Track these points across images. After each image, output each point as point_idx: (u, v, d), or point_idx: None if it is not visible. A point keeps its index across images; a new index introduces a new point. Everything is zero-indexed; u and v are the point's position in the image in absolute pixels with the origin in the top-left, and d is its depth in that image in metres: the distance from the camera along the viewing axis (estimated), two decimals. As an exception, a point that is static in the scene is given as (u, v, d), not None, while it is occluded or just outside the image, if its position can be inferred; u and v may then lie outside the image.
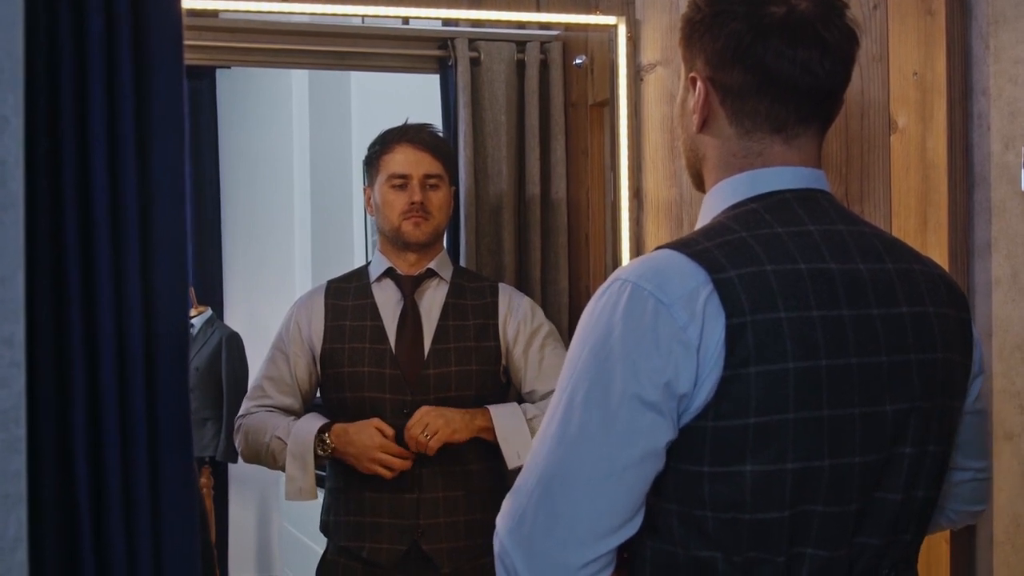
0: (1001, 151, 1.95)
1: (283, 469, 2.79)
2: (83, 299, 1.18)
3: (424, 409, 2.70)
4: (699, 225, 1.56)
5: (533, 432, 2.74)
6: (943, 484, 1.57)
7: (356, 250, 5.71)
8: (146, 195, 1.21)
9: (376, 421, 2.71)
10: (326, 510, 2.89)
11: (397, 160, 2.83)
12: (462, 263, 3.15)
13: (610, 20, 2.83)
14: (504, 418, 2.77)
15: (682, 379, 1.36)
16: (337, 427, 2.74)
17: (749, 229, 1.44)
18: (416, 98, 4.62)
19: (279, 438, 2.78)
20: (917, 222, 2.06)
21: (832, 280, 1.42)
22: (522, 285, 3.19)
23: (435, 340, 2.81)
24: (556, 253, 3.28)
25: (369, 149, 2.93)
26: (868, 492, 1.44)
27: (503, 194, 3.24)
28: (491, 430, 2.76)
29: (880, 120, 2.15)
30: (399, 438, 2.71)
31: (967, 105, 2.01)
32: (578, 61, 3.10)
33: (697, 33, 1.52)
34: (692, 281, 1.38)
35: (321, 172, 6.24)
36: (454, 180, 2.99)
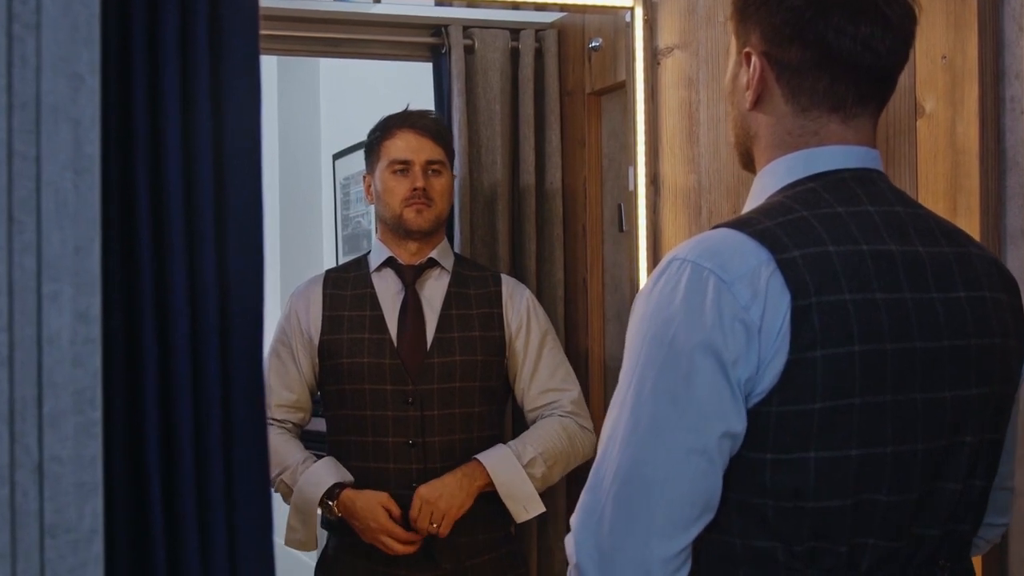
0: (1035, 135, 1.93)
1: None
2: (155, 274, 1.11)
3: (421, 494, 2.64)
4: (749, 205, 1.52)
5: (532, 478, 2.72)
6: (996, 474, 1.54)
7: (325, 247, 5.64)
8: (220, 162, 1.13)
9: (383, 498, 2.65)
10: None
11: (398, 146, 2.78)
12: (456, 254, 3.09)
13: (627, 3, 2.77)
14: (503, 474, 2.72)
15: (745, 360, 1.32)
16: (346, 496, 2.67)
17: (810, 208, 1.40)
18: (388, 87, 4.56)
19: (285, 483, 2.72)
20: (946, 208, 2.03)
21: (893, 262, 1.39)
22: (517, 276, 3.13)
23: (439, 329, 2.75)
24: (551, 244, 3.24)
25: (369, 135, 2.87)
26: (928, 481, 1.41)
27: (497, 184, 3.19)
28: (491, 486, 2.72)
29: (906, 104, 2.11)
30: (405, 515, 2.66)
31: (999, 89, 1.98)
32: (594, 44, 3.06)
33: (752, 7, 1.48)
34: (754, 259, 1.34)
35: (289, 166, 6.15)
36: (454, 168, 2.94)
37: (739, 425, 1.34)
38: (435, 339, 2.74)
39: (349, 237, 5.29)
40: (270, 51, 3.32)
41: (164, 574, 1.10)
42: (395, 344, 2.72)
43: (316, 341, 2.79)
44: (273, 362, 2.83)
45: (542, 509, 2.75)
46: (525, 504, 2.72)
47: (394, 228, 2.80)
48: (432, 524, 2.63)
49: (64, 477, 0.97)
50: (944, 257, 1.44)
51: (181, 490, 1.13)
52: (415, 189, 2.74)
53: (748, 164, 1.58)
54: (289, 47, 3.22)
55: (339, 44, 3.19)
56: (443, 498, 2.63)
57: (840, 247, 1.36)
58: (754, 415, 1.34)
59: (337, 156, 5.40)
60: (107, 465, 1.02)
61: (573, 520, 1.39)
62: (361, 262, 2.90)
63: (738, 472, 1.37)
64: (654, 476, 1.33)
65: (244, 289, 1.14)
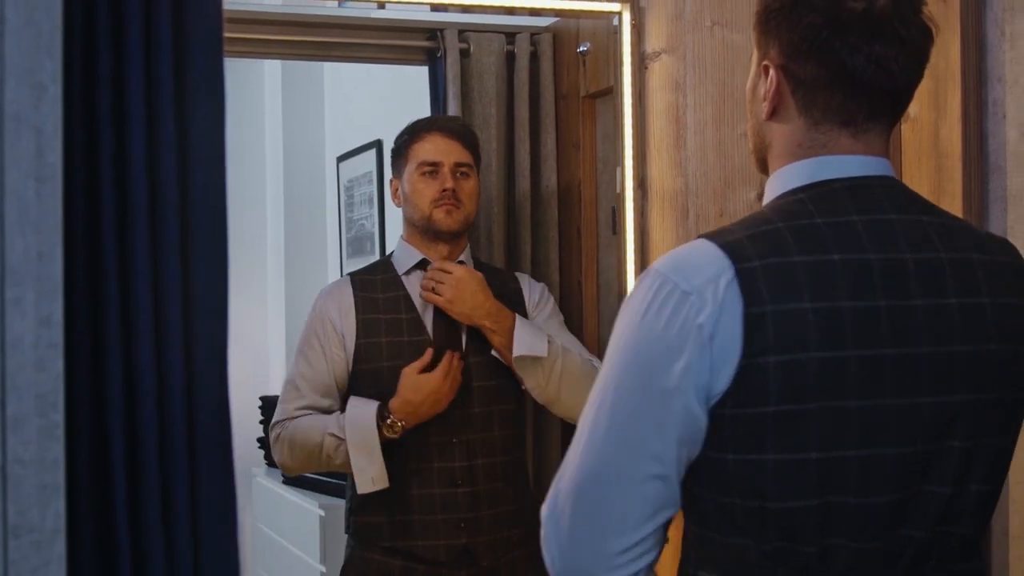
0: (1017, 139, 1.93)
1: (341, 468, 2.71)
2: (119, 280, 1.12)
3: (462, 277, 2.72)
4: None
5: (549, 343, 2.72)
6: (1005, 478, 1.54)
7: (330, 250, 5.64)
8: (185, 171, 1.14)
9: (409, 368, 2.68)
10: (360, 510, 2.78)
11: (427, 148, 2.81)
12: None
13: (614, 7, 2.79)
14: (527, 325, 2.76)
15: (700, 367, 1.37)
16: (394, 403, 2.66)
17: (787, 220, 1.44)
18: (393, 91, 4.57)
19: (333, 435, 2.67)
20: (930, 212, 2.04)
21: (869, 270, 1.41)
22: (512, 280, 3.14)
23: (471, 328, 2.78)
24: (546, 247, 3.25)
25: (397, 139, 2.90)
26: (909, 484, 1.42)
27: (492, 187, 3.19)
28: (503, 333, 2.73)
29: (891, 109, 2.12)
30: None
31: (982, 93, 1.99)
32: (582, 48, 3.07)
33: (774, 21, 1.51)
34: (715, 268, 1.39)
35: (293, 169, 6.16)
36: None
37: (696, 429, 1.40)
38: (469, 339, 2.77)
39: (353, 240, 5.30)
40: (264, 55, 3.35)
41: (128, 574, 1.12)
42: (434, 345, 2.74)
43: (351, 345, 2.78)
44: (301, 365, 2.80)
45: (543, 353, 2.71)
46: (531, 345, 2.70)
47: (424, 230, 2.82)
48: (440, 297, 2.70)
49: (27, 479, 0.98)
50: (937, 263, 1.44)
51: (146, 492, 1.14)
52: (444, 190, 2.77)
53: (765, 170, 1.61)
54: (285, 51, 3.25)
55: (334, 48, 3.20)
56: (464, 302, 2.72)
57: (808, 257, 1.40)
58: (713, 417, 1.40)
59: (341, 159, 5.42)
60: (72, 467, 1.04)
61: (544, 504, 1.46)
62: (386, 265, 2.90)
63: (707, 472, 1.42)
64: (608, 478, 1.40)
65: (209, 296, 1.15)
